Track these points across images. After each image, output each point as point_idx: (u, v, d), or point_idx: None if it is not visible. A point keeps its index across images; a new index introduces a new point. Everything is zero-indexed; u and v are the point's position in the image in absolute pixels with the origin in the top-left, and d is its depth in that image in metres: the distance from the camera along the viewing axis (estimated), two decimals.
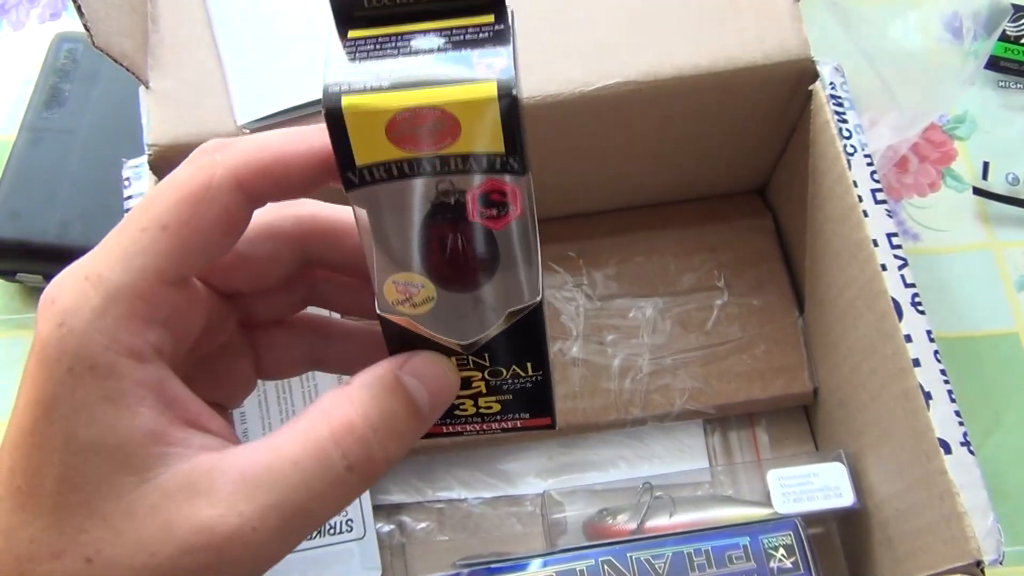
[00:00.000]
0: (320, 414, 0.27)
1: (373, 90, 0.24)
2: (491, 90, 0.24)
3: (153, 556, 0.25)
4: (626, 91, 0.51)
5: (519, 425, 0.32)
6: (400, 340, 0.29)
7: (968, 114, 0.72)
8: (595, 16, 0.52)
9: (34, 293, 0.67)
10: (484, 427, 0.32)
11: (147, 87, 0.51)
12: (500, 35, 0.25)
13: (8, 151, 0.65)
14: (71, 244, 0.62)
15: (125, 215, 0.28)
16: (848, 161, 0.49)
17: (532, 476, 0.60)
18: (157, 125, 0.50)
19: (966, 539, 0.41)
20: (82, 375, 0.25)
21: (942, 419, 0.43)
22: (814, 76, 0.52)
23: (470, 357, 0.30)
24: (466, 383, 0.31)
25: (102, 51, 0.46)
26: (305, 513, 0.26)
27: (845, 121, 0.51)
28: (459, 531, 0.59)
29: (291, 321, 0.34)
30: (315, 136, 0.28)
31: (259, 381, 0.34)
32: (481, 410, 0.32)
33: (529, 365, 0.30)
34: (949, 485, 0.42)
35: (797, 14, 0.52)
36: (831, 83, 0.52)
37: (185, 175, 0.27)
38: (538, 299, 0.28)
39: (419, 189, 0.26)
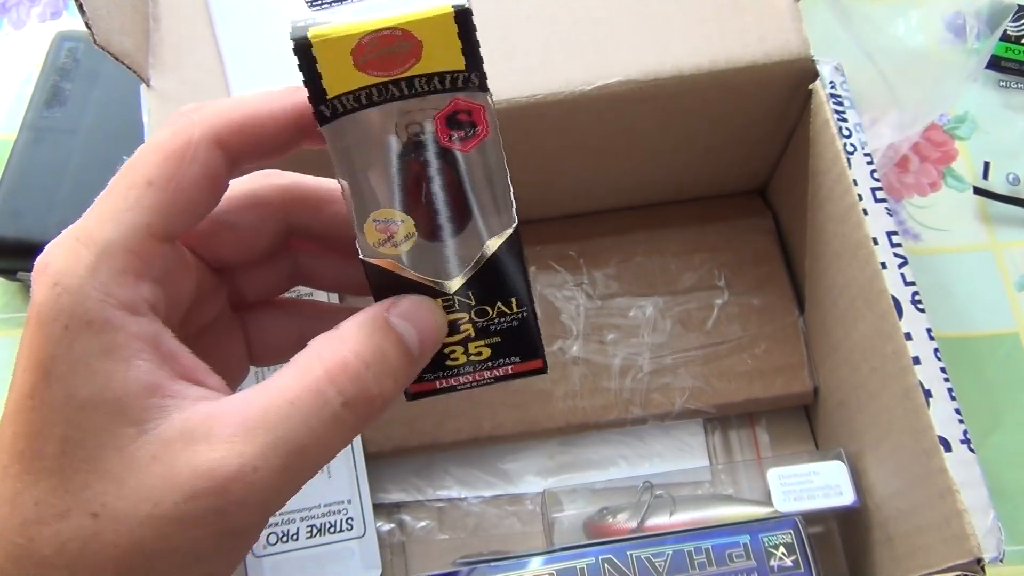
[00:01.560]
0: (313, 355, 0.28)
1: (338, 23, 0.26)
2: (446, 7, 0.26)
3: (157, 505, 0.25)
4: (626, 91, 0.51)
5: (511, 371, 0.33)
6: (385, 286, 0.30)
7: (969, 114, 0.72)
8: (595, 16, 0.52)
9: None
10: (477, 377, 0.33)
11: (148, 86, 0.51)
12: None
13: (9, 150, 0.65)
14: None
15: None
16: (848, 160, 0.49)
17: (532, 475, 0.60)
18: (158, 124, 0.50)
19: (966, 537, 0.41)
20: (78, 331, 0.25)
21: (942, 417, 0.43)
22: (814, 75, 0.52)
23: (455, 297, 0.30)
24: (454, 328, 0.31)
25: (103, 49, 0.46)
26: (305, 451, 0.27)
27: (845, 120, 0.51)
28: (459, 530, 0.59)
29: (280, 303, 0.35)
30: (289, 94, 0.29)
31: (256, 369, 0.35)
32: (472, 357, 0.32)
33: (513, 301, 0.31)
34: (949, 483, 0.42)
35: (797, 13, 0.52)
36: (831, 82, 0.52)
37: (166, 135, 0.28)
38: (515, 226, 0.29)
39: (391, 122, 0.27)
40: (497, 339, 0.32)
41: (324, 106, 0.27)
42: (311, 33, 0.26)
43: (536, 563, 0.48)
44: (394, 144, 0.28)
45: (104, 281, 0.26)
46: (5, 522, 0.26)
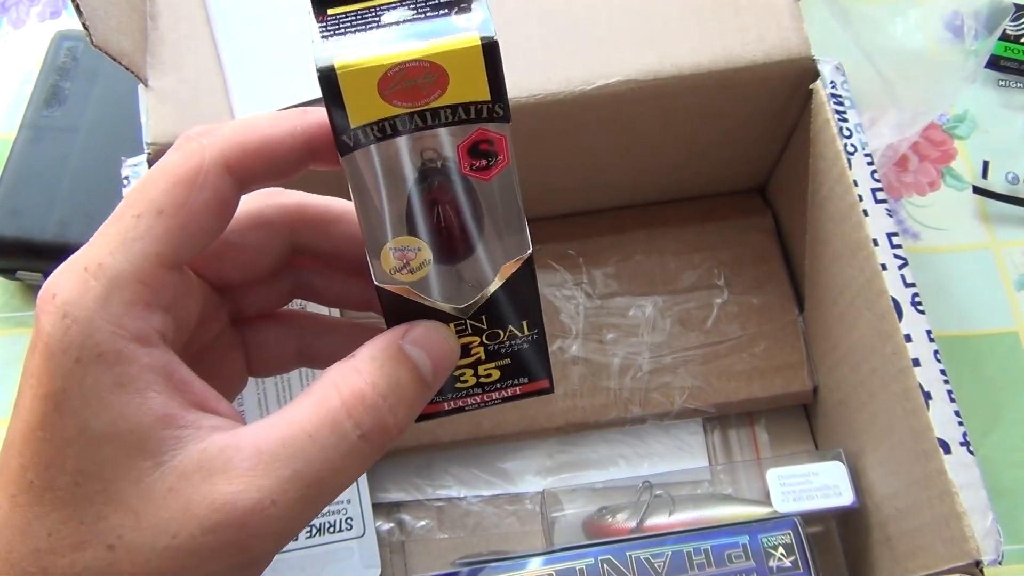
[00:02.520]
0: (330, 386, 0.28)
1: (364, 55, 0.26)
2: (474, 40, 0.26)
3: (175, 538, 0.25)
4: (626, 90, 0.51)
5: (519, 392, 0.33)
6: (399, 311, 0.30)
7: (968, 113, 0.72)
8: (595, 15, 0.52)
9: (34, 291, 0.67)
10: (485, 398, 0.33)
11: (146, 85, 0.51)
12: None
13: (8, 149, 0.65)
14: (71, 242, 0.62)
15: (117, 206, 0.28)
16: (848, 160, 0.49)
17: (531, 474, 0.60)
18: (156, 124, 0.50)
19: (965, 539, 0.41)
20: (90, 363, 0.25)
21: (942, 419, 0.43)
22: (814, 75, 0.52)
23: (468, 322, 0.30)
24: (465, 351, 0.31)
25: (101, 50, 0.46)
26: (323, 483, 0.27)
27: (845, 120, 0.51)
28: (458, 529, 0.59)
29: (280, 316, 0.35)
30: (298, 116, 0.28)
31: (257, 379, 0.35)
32: (481, 379, 0.32)
33: (525, 324, 0.31)
34: (948, 485, 0.42)
35: (798, 13, 0.52)
36: (831, 82, 0.52)
37: (175, 160, 0.27)
38: (530, 251, 0.30)
39: (407, 151, 0.27)
40: (507, 361, 0.32)
41: (347, 135, 0.27)
42: (337, 64, 0.26)
43: (536, 563, 0.48)
44: (409, 171, 0.28)
45: (115, 313, 0.26)
46: (17, 551, 0.26)
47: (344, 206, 0.32)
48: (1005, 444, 0.61)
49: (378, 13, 0.27)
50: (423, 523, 0.59)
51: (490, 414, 0.59)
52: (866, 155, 0.50)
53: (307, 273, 0.34)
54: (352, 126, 0.26)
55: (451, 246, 0.29)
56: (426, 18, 0.27)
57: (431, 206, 0.28)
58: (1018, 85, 0.73)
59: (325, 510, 0.55)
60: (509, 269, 0.30)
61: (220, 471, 0.26)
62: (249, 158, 0.28)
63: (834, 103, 0.51)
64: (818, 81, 0.52)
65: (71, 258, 0.27)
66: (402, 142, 0.27)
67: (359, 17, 0.27)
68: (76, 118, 0.66)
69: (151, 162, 0.49)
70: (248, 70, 0.51)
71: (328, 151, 0.28)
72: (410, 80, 0.26)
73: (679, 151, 0.59)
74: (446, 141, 0.27)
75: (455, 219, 0.29)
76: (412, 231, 0.29)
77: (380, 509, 0.58)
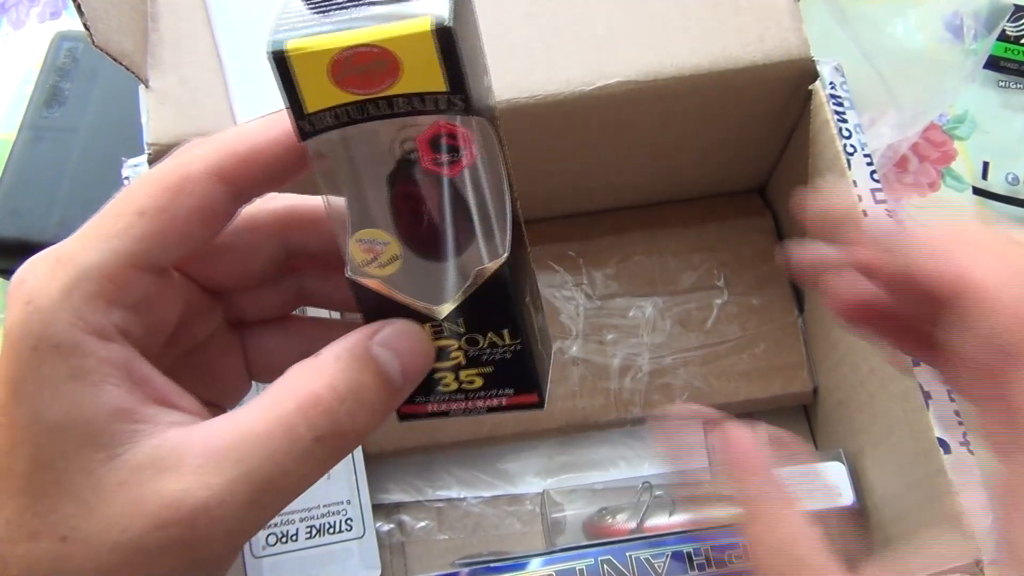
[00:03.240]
0: (287, 386, 0.27)
1: (316, 35, 0.25)
2: (424, 25, 0.24)
3: (124, 532, 0.25)
4: (626, 91, 0.51)
5: (504, 403, 0.31)
6: (373, 307, 0.29)
7: (968, 114, 0.72)
8: (595, 16, 0.52)
9: None
10: (469, 405, 0.32)
11: (147, 86, 0.51)
12: None
13: (8, 150, 0.65)
14: None
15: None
16: (848, 161, 0.49)
17: (532, 475, 0.60)
18: (157, 124, 0.50)
19: (965, 539, 0.41)
20: (47, 353, 0.25)
21: (941, 419, 0.43)
22: (814, 76, 0.52)
23: (444, 324, 0.29)
24: (444, 354, 0.30)
25: (101, 50, 0.46)
26: (274, 485, 0.26)
27: (845, 121, 0.51)
28: (458, 530, 0.59)
29: (282, 322, 0.34)
30: (287, 121, 0.28)
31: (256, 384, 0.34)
32: (463, 385, 0.31)
33: (506, 333, 0.29)
34: (948, 485, 0.42)
35: (797, 13, 0.52)
36: (831, 83, 0.52)
37: (165, 166, 0.28)
38: (502, 257, 0.28)
39: (381, 140, 0.26)
40: (489, 369, 0.31)
41: (304, 121, 0.26)
42: (288, 46, 0.25)
43: (536, 564, 0.48)
44: (382, 162, 0.27)
45: (76, 304, 0.26)
46: None
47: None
48: None
49: None
50: (423, 524, 0.59)
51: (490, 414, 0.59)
52: (866, 156, 0.49)
53: (308, 278, 0.34)
54: (308, 111, 0.26)
55: (425, 243, 0.28)
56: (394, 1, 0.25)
57: (404, 201, 0.27)
58: (1018, 86, 0.73)
59: (325, 511, 0.55)
60: (483, 273, 0.28)
61: (172, 468, 0.26)
62: (242, 166, 0.28)
63: (833, 104, 0.51)
64: (817, 82, 0.52)
65: (48, 248, 0.27)
66: (368, 132, 0.26)
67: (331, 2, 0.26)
68: (76, 119, 0.66)
69: (151, 163, 0.49)
70: (248, 70, 0.51)
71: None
72: (361, 66, 0.25)
73: (679, 152, 0.59)
74: (418, 129, 0.26)
75: (429, 216, 0.28)
76: (381, 224, 0.28)
77: (380, 510, 0.58)
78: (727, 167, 0.62)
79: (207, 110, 0.51)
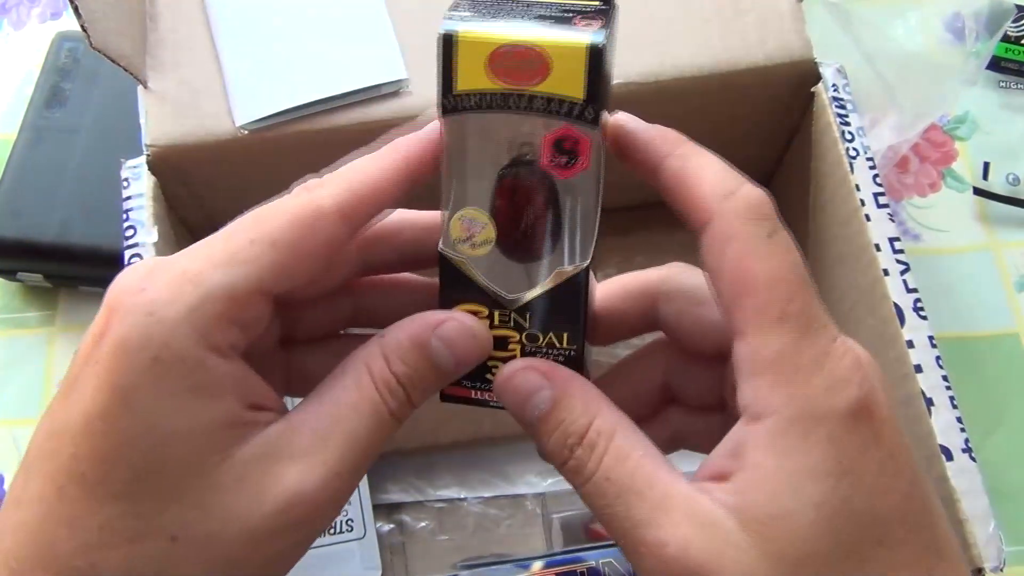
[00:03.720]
0: (362, 368, 0.30)
1: (485, 29, 0.28)
2: (582, 43, 0.28)
3: (247, 522, 0.27)
4: (626, 92, 0.51)
5: None
6: (452, 281, 0.31)
7: (969, 114, 0.72)
8: None
9: (34, 292, 0.67)
10: None
11: (146, 87, 0.50)
12: (601, 12, 0.29)
13: (9, 150, 0.65)
14: (72, 243, 0.62)
15: (227, 225, 0.29)
16: (850, 164, 0.49)
17: (532, 476, 0.60)
18: (155, 125, 0.50)
19: (967, 546, 0.41)
20: (170, 365, 0.26)
21: (943, 425, 0.43)
22: (816, 78, 0.52)
23: (512, 314, 0.31)
24: (503, 343, 0.32)
25: (100, 51, 0.46)
26: (368, 454, 0.29)
27: (848, 123, 0.50)
28: (459, 530, 0.59)
29: (325, 342, 0.35)
30: (400, 155, 0.30)
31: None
32: None
33: (565, 336, 0.31)
34: (950, 492, 0.42)
35: (800, 15, 0.52)
36: (833, 85, 0.51)
37: (295, 201, 0.29)
38: (585, 264, 0.30)
39: (506, 134, 0.29)
40: None
41: (449, 97, 0.29)
42: (459, 29, 0.28)
43: (537, 566, 0.48)
44: (498, 155, 0.30)
45: (202, 323, 0.27)
46: (63, 545, 0.26)
47: (403, 216, 0.33)
48: (1006, 446, 0.61)
49: (524, 4, 0.30)
50: (424, 524, 0.59)
51: (490, 414, 0.59)
52: (868, 159, 0.49)
53: (367, 297, 0.35)
54: (455, 90, 0.29)
55: (516, 236, 0.30)
56: (562, 14, 0.29)
57: (510, 193, 0.30)
58: (1019, 86, 0.73)
59: None
60: (562, 275, 0.30)
61: (285, 455, 0.28)
62: (364, 206, 0.30)
63: (836, 106, 0.51)
64: (820, 84, 0.52)
65: (161, 259, 0.28)
66: (500, 120, 0.29)
67: (499, 4, 0.30)
68: (77, 119, 0.66)
69: (150, 164, 0.49)
70: (247, 72, 0.51)
71: (417, 188, 0.30)
72: (516, 62, 0.28)
73: None
74: (538, 134, 0.29)
75: (527, 212, 0.30)
76: (485, 208, 0.30)
77: (381, 510, 0.58)
78: None
79: (206, 111, 0.51)
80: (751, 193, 0.30)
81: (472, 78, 0.28)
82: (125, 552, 0.26)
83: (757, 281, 0.28)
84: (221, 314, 0.27)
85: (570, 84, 0.28)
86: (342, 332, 0.35)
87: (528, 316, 0.31)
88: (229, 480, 0.27)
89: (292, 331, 0.34)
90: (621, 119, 0.30)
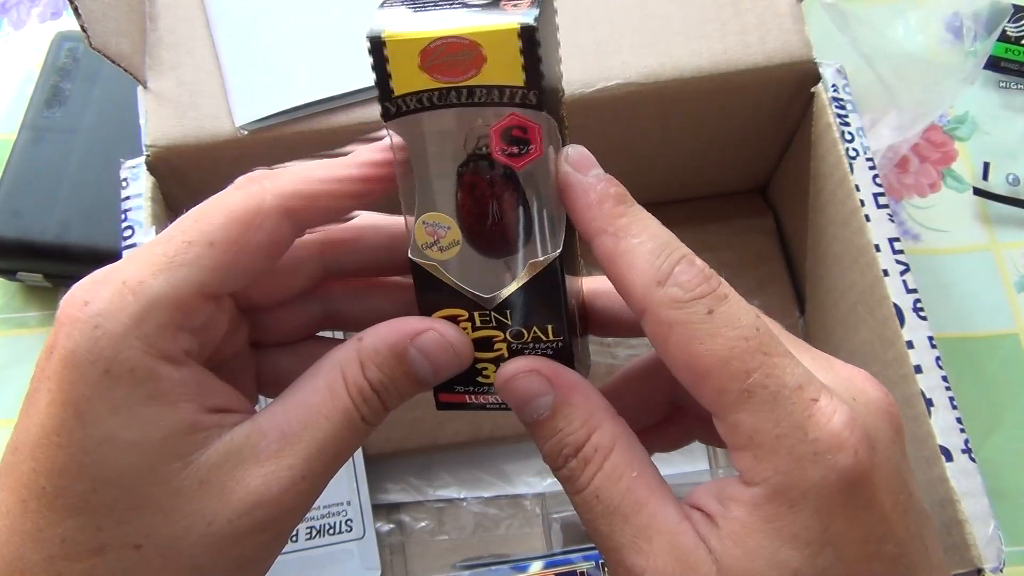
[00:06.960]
0: (337, 373, 0.29)
1: (411, 27, 0.28)
2: (512, 25, 0.27)
3: (211, 524, 0.27)
4: (626, 92, 0.51)
5: None
6: (427, 287, 0.31)
7: (968, 115, 0.72)
8: (595, 17, 0.52)
9: (34, 292, 0.67)
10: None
11: (145, 87, 0.50)
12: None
13: (9, 150, 0.65)
14: (71, 243, 0.62)
15: (165, 228, 0.29)
16: (850, 165, 0.49)
17: (532, 476, 0.60)
18: (155, 126, 0.50)
19: (967, 547, 0.41)
20: (120, 377, 0.26)
21: (943, 426, 0.43)
22: (816, 78, 0.52)
23: (492, 314, 0.31)
24: (488, 343, 0.31)
25: (99, 52, 0.46)
26: (337, 459, 0.29)
27: (847, 124, 0.50)
28: (458, 530, 0.59)
29: (297, 347, 0.35)
30: (354, 162, 0.30)
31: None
32: None
33: (550, 329, 0.31)
34: (950, 492, 0.42)
35: (799, 15, 0.52)
36: (833, 85, 0.51)
37: (235, 198, 0.29)
38: (556, 253, 0.30)
39: (458, 131, 0.29)
40: None
41: (389, 103, 0.28)
42: (385, 33, 0.27)
43: (536, 566, 0.48)
44: (456, 152, 0.29)
45: (148, 332, 0.26)
46: (28, 558, 0.26)
47: (368, 220, 0.33)
48: (1006, 446, 0.61)
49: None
50: (423, 524, 0.59)
51: (490, 415, 0.59)
52: (868, 159, 0.49)
53: (336, 300, 0.34)
54: (394, 94, 0.28)
55: (483, 234, 0.30)
56: (491, 4, 0.28)
57: (470, 190, 0.29)
58: (1018, 86, 0.73)
59: (325, 512, 0.55)
60: (536, 267, 0.30)
61: (249, 457, 0.28)
62: (307, 205, 0.29)
63: (836, 107, 0.51)
64: (819, 84, 0.52)
65: (107, 269, 0.28)
66: (448, 118, 0.28)
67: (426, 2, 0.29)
68: (77, 119, 0.66)
69: (149, 164, 0.49)
70: (247, 72, 0.51)
71: (374, 195, 0.30)
72: (449, 55, 0.27)
73: (680, 153, 0.59)
74: (492, 125, 0.28)
75: (490, 208, 0.30)
76: (446, 210, 0.30)
77: (380, 510, 0.58)
78: (728, 168, 0.62)
79: (205, 112, 0.50)
80: (682, 273, 0.29)
81: (408, 79, 0.28)
82: (88, 564, 0.26)
83: (709, 365, 0.27)
84: (167, 322, 0.27)
85: (508, 71, 0.27)
86: (316, 335, 0.35)
87: (509, 313, 0.31)
88: (191, 484, 0.27)
89: (262, 334, 0.33)
90: (565, 171, 0.29)
